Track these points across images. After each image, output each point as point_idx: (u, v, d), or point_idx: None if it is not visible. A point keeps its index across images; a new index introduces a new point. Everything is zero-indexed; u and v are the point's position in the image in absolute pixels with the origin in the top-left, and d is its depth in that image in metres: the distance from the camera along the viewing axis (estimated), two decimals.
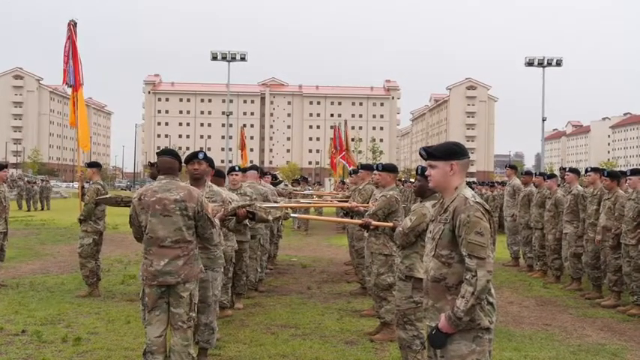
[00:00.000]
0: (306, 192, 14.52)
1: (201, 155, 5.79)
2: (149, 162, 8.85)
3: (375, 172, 7.08)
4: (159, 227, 4.85)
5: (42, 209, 33.88)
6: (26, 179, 40.80)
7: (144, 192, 5.00)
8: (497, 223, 18.70)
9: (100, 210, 9.20)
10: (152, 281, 4.83)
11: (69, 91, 10.45)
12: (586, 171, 10.28)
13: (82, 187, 9.69)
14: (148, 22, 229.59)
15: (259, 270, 9.44)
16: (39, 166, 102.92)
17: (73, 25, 10.22)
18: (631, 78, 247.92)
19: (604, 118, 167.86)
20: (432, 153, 3.55)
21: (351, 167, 12.19)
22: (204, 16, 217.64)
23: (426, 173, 3.63)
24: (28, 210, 32.50)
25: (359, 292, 9.55)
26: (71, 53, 10.12)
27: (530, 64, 46.94)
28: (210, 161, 6.12)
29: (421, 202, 5.47)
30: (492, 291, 3.40)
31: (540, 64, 46.60)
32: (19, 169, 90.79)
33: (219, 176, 7.34)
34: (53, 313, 7.73)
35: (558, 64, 46.51)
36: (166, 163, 5.03)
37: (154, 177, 7.87)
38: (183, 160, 5.77)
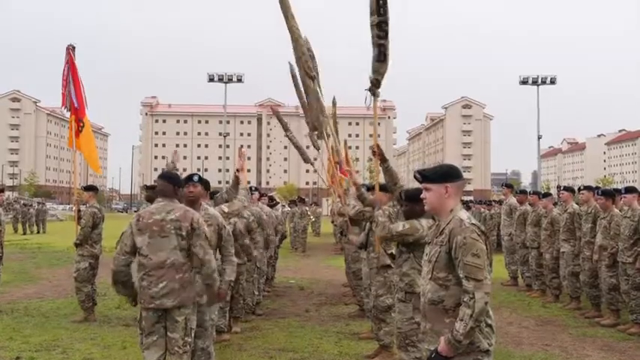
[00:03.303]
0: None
1: (195, 178, 5.78)
2: (145, 185, 8.85)
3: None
4: (156, 248, 4.83)
5: (38, 232, 33.71)
6: (22, 202, 40.69)
7: (142, 214, 5.01)
8: (495, 242, 18.67)
9: (96, 233, 9.17)
10: (149, 304, 4.80)
11: (67, 113, 10.45)
12: (579, 189, 10.29)
13: (79, 211, 9.66)
14: (145, 44, 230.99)
15: (256, 293, 9.39)
16: (35, 188, 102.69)
17: (71, 50, 10.25)
18: (625, 94, 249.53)
19: (599, 135, 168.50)
20: (426, 176, 3.56)
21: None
22: (201, 38, 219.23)
23: (421, 196, 3.63)
24: (24, 233, 32.35)
25: (357, 315, 9.49)
26: (70, 77, 10.12)
27: (524, 82, 47.31)
28: (205, 183, 6.11)
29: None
30: (490, 313, 3.39)
31: (535, 83, 46.97)
32: (16, 191, 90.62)
33: (211, 198, 7.31)
34: (48, 339, 7.66)
35: (552, 82, 46.90)
36: (162, 186, 5.05)
37: (149, 200, 7.87)
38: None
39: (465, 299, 3.27)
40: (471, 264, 3.28)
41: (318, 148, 8.44)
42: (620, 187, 10.31)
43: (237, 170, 7.09)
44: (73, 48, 10.29)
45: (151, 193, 7.99)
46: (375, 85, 5.60)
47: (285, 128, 11.33)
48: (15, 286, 12.32)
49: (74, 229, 9.57)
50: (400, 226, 5.36)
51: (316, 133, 8.03)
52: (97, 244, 9.23)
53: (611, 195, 9.16)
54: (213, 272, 5.00)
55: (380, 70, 5.56)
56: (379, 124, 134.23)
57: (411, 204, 5.30)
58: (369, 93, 5.72)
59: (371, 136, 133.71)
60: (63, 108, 10.41)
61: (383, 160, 5.88)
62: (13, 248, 20.56)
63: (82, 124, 10.04)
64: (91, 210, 9.15)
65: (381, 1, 5.34)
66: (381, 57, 5.46)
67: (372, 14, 5.39)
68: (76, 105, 10.03)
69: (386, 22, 5.39)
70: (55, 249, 21.56)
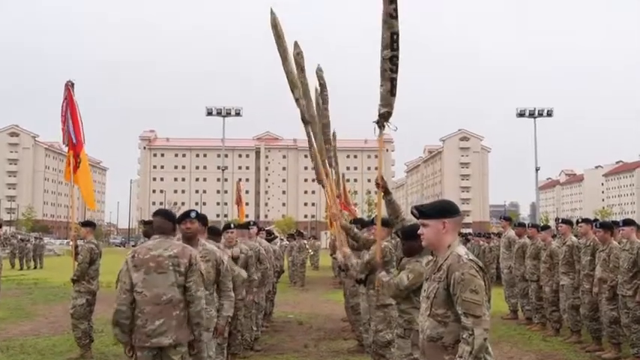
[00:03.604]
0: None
1: (193, 214, 5.78)
2: (143, 220, 8.85)
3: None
4: (153, 285, 4.81)
5: (35, 267, 33.49)
6: (19, 237, 40.52)
7: (138, 250, 4.99)
8: (494, 274, 18.59)
9: (93, 269, 9.13)
10: (145, 342, 4.75)
11: (65, 148, 10.47)
12: (577, 222, 10.29)
13: (76, 247, 9.63)
14: (143, 79, 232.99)
15: (255, 328, 9.32)
16: (33, 223, 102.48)
17: (70, 86, 10.30)
18: (621, 126, 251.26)
19: (597, 167, 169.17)
20: (423, 212, 3.56)
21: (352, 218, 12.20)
22: (200, 71, 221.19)
23: (419, 232, 3.63)
24: (21, 268, 32.13)
25: (356, 350, 9.40)
26: (69, 114, 10.16)
27: (521, 115, 47.58)
28: (202, 219, 6.11)
29: (417, 260, 5.43)
30: (490, 349, 3.36)
31: (531, 115, 47.24)
32: (13, 226, 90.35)
33: (214, 234, 7.32)
34: None
35: (549, 114, 47.17)
36: (159, 223, 5.05)
37: (147, 235, 7.85)
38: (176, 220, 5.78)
39: (464, 336, 3.25)
40: (469, 300, 3.27)
41: (321, 182, 8.48)
42: (618, 220, 10.31)
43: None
44: (72, 84, 10.34)
45: (149, 228, 7.97)
46: (385, 117, 5.65)
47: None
48: (11, 323, 12.22)
49: (71, 265, 9.52)
50: (405, 279, 5.34)
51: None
52: (94, 280, 9.19)
53: (609, 227, 9.16)
54: (201, 310, 4.97)
55: (392, 104, 5.63)
56: (376, 156, 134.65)
57: (409, 241, 5.28)
58: (376, 125, 5.76)
59: (369, 169, 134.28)
60: (63, 144, 10.44)
61: (386, 193, 5.90)
62: (10, 284, 20.42)
63: (79, 160, 10.06)
64: (89, 246, 9.13)
65: (395, 36, 5.42)
66: (393, 91, 5.53)
67: (384, 48, 5.46)
68: (74, 141, 10.07)
69: (397, 57, 5.47)
70: (51, 285, 21.41)
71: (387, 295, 5.53)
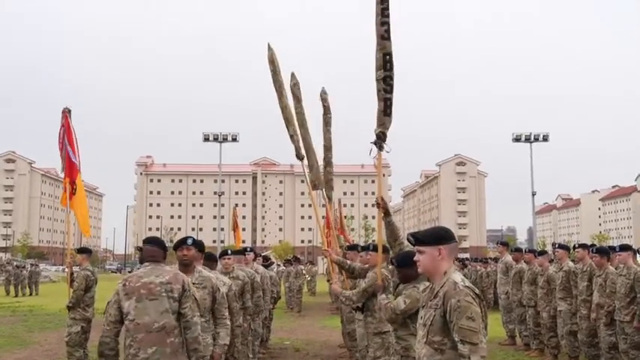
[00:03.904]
0: None
1: (189, 241, 5.77)
2: (138, 246, 8.83)
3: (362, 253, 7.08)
4: (145, 312, 4.76)
5: (30, 294, 33.24)
6: (15, 264, 40.27)
7: (129, 278, 4.96)
8: (492, 300, 18.53)
9: (89, 297, 9.08)
10: None
11: (62, 174, 10.47)
12: (574, 247, 10.29)
13: (72, 273, 9.59)
14: (140, 105, 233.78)
15: (251, 356, 9.24)
16: (28, 249, 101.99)
17: (67, 113, 10.33)
18: (617, 150, 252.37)
19: (593, 191, 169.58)
20: (419, 238, 3.57)
21: (347, 243, 12.21)
22: (197, 97, 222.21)
23: (415, 258, 3.64)
24: (16, 295, 31.89)
25: None
26: (66, 141, 10.17)
27: (517, 139, 47.72)
28: (199, 246, 6.10)
29: (414, 285, 5.42)
30: None
31: (527, 140, 47.38)
32: (9, 252, 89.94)
33: (210, 260, 7.30)
34: None
35: (545, 139, 47.30)
36: (150, 251, 5.04)
37: (143, 261, 7.82)
38: (173, 246, 5.78)
39: None
40: (465, 327, 3.26)
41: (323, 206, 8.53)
42: (615, 245, 10.32)
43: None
44: (69, 111, 10.37)
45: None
46: (381, 138, 5.69)
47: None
48: (6, 351, 12.11)
49: (67, 291, 9.47)
50: (402, 303, 5.33)
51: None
52: (90, 308, 9.13)
53: (605, 253, 9.17)
54: (198, 336, 4.94)
55: (387, 125, 5.66)
56: (373, 181, 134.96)
57: (404, 269, 5.29)
58: (374, 146, 5.79)
59: (365, 194, 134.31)
60: (60, 171, 10.45)
61: (386, 214, 5.90)
62: (5, 311, 20.29)
63: (75, 187, 10.06)
64: (84, 273, 9.09)
65: (387, 57, 5.48)
66: (387, 111, 5.57)
67: (378, 69, 5.53)
68: (77, 165, 10.07)
69: (391, 77, 5.52)
70: (47, 312, 21.26)
71: (384, 318, 5.51)
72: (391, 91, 5.55)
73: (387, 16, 5.53)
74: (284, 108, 7.08)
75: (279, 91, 7.04)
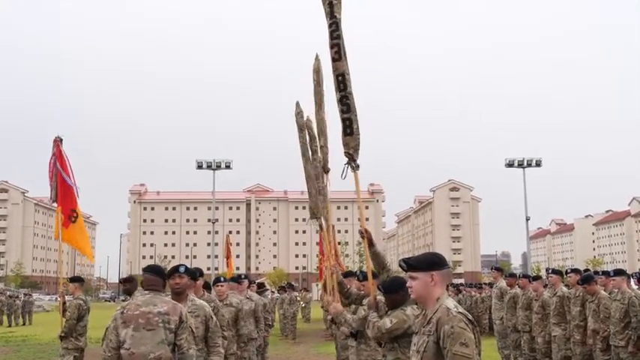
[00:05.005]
0: None
1: (182, 269, 5.77)
2: (122, 278, 8.73)
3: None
4: (141, 342, 4.75)
5: (24, 324, 33.02)
6: (8, 293, 39.96)
7: (127, 306, 4.94)
8: (487, 325, 18.45)
9: (81, 326, 9.03)
10: None
11: (54, 205, 10.43)
12: (566, 272, 10.32)
13: (64, 303, 9.53)
14: (133, 132, 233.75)
15: None
16: (22, 279, 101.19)
17: (59, 141, 10.30)
18: (610, 175, 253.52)
19: (587, 216, 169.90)
20: (412, 264, 3.58)
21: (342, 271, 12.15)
22: (190, 125, 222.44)
23: (407, 285, 3.65)
24: (9, 325, 31.66)
25: None
26: (58, 169, 10.13)
27: (510, 165, 47.86)
28: (192, 274, 6.09)
29: (401, 309, 5.42)
30: None
31: (520, 165, 47.52)
32: (2, 282, 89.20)
33: (205, 288, 7.28)
34: None
35: (538, 164, 47.45)
36: (149, 280, 5.02)
37: (129, 293, 7.79)
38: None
39: None
40: (459, 354, 3.26)
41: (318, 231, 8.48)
42: (609, 270, 10.34)
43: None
44: (61, 140, 10.35)
45: (131, 286, 7.94)
46: (350, 159, 5.71)
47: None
48: None
49: (60, 321, 9.41)
50: (388, 322, 5.32)
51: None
52: (82, 337, 9.08)
53: (591, 279, 9.20)
54: None
55: (350, 144, 5.66)
56: (367, 207, 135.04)
57: (391, 295, 5.30)
58: (348, 167, 5.81)
59: (359, 220, 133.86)
60: (50, 201, 10.40)
61: (370, 245, 5.89)
62: None
63: (75, 215, 10.00)
64: (77, 302, 9.05)
65: (340, 77, 5.54)
66: (347, 130, 5.59)
67: (335, 91, 5.59)
68: (74, 190, 10.01)
69: (347, 97, 5.56)
70: (40, 341, 21.05)
71: (370, 336, 5.49)
72: (348, 111, 5.57)
73: (337, 37, 5.60)
74: (320, 120, 7.09)
75: (319, 104, 7.06)
